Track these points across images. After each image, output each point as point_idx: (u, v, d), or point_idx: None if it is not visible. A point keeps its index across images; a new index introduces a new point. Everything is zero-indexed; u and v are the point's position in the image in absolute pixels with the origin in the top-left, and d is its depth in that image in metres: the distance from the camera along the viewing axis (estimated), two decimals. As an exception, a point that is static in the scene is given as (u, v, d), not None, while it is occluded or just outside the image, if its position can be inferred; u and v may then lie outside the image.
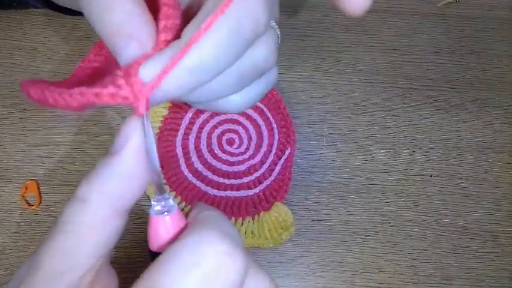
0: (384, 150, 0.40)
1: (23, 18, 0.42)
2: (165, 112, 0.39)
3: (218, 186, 0.37)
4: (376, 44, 0.43)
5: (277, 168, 0.38)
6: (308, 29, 0.43)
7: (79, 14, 0.37)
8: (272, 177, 0.38)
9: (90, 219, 0.17)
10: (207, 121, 0.39)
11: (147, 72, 0.17)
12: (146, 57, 0.17)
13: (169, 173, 0.37)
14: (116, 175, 0.17)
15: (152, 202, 0.18)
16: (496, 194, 0.39)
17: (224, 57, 0.17)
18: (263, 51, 0.20)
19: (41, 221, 0.37)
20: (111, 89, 0.16)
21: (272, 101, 0.40)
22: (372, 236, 0.38)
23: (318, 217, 0.38)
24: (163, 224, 0.18)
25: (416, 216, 0.38)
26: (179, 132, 0.38)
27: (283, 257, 0.37)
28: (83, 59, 0.21)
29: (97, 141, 0.39)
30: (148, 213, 0.18)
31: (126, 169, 0.17)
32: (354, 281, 0.37)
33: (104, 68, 0.20)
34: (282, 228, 0.36)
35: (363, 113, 0.41)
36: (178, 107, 0.39)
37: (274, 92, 0.40)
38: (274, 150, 0.39)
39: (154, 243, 0.18)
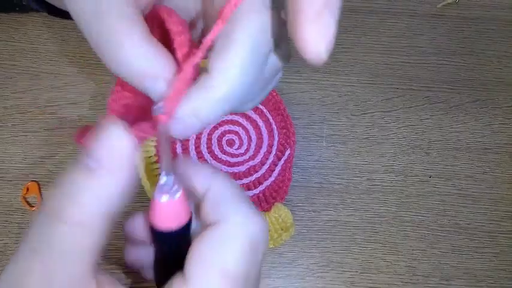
0: (383, 151, 0.40)
1: (24, 20, 0.42)
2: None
3: (218, 187, 0.37)
4: (376, 45, 0.43)
5: (277, 169, 0.38)
6: (308, 30, 0.43)
7: None
8: (272, 178, 0.38)
9: (96, 191, 0.17)
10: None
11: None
12: (175, 91, 0.18)
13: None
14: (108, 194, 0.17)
15: (159, 184, 0.19)
16: (494, 195, 0.39)
17: (250, 77, 0.18)
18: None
19: (43, 222, 0.37)
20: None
21: (272, 102, 0.40)
22: (371, 237, 0.38)
23: (318, 218, 0.38)
24: (170, 205, 0.19)
25: (415, 217, 0.39)
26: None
27: (283, 257, 0.37)
28: (111, 94, 0.23)
29: (98, 143, 0.39)
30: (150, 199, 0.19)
31: (119, 188, 0.17)
32: (354, 281, 0.37)
33: (134, 99, 0.22)
34: (282, 229, 0.36)
35: (363, 114, 0.41)
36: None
37: (274, 93, 0.40)
38: (274, 151, 0.39)
39: (162, 223, 0.19)
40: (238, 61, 0.17)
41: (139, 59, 0.17)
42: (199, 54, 0.18)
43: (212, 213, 0.20)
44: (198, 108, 0.18)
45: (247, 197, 0.21)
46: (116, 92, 0.22)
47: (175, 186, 0.19)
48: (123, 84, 0.21)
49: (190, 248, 0.19)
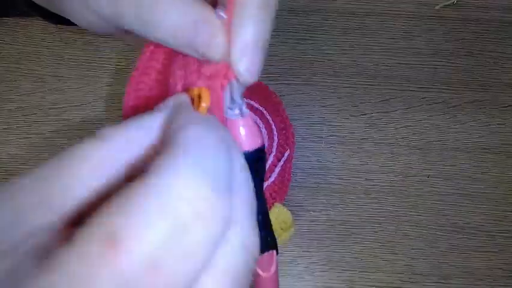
0: (382, 151, 0.41)
1: (27, 23, 0.42)
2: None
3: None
4: (374, 47, 0.43)
5: (277, 169, 0.38)
6: (307, 33, 0.43)
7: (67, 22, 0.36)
8: (272, 179, 0.38)
9: (99, 160, 0.15)
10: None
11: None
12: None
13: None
14: (147, 128, 0.16)
15: (227, 109, 0.19)
16: (493, 194, 0.40)
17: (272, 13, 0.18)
18: None
19: (47, 222, 0.38)
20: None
21: (271, 103, 0.40)
22: (371, 236, 0.38)
23: (317, 218, 0.39)
24: (239, 125, 0.19)
25: (414, 217, 0.39)
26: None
27: (282, 257, 0.38)
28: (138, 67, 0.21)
29: (100, 144, 0.40)
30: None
31: (156, 123, 0.16)
32: (353, 281, 0.37)
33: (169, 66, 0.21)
34: (282, 229, 0.36)
35: (361, 114, 0.41)
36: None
37: (274, 95, 0.40)
38: (274, 152, 0.39)
39: (246, 145, 0.19)
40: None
41: (177, 13, 0.18)
42: None
43: (154, 161, 0.14)
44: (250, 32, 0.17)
45: (225, 170, 0.14)
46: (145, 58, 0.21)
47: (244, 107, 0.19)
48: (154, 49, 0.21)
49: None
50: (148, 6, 0.18)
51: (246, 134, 0.19)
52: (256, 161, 0.19)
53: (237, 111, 0.19)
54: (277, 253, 0.21)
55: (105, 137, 0.15)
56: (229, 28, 0.18)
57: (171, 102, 0.17)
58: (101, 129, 0.15)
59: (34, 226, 0.14)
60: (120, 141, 0.15)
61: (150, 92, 0.20)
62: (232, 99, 0.19)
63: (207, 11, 0.18)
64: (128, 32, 0.21)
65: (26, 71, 0.41)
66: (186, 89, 0.18)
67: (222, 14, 0.18)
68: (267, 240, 0.19)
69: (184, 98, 0.18)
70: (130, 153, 0.15)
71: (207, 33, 0.18)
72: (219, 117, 0.18)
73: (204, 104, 0.17)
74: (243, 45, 0.17)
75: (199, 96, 0.18)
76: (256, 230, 0.15)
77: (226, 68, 0.18)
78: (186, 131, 0.14)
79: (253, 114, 0.20)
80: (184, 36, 0.18)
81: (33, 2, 0.33)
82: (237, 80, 0.18)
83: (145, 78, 0.20)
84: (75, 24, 0.26)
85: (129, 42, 0.41)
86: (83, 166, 0.14)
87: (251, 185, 0.16)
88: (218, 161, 0.14)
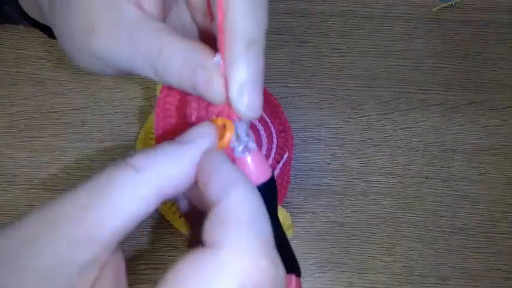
0: (380, 153, 0.41)
1: (28, 29, 0.43)
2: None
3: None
4: (373, 49, 0.43)
5: (276, 172, 0.39)
6: (306, 35, 0.44)
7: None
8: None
9: (136, 191, 0.16)
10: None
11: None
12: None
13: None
14: (177, 161, 0.17)
15: (233, 145, 0.19)
16: (491, 196, 0.40)
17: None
18: None
19: (48, 225, 0.38)
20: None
21: (270, 106, 0.41)
22: (369, 238, 0.39)
23: (316, 219, 0.39)
24: (247, 162, 0.19)
25: (412, 218, 0.39)
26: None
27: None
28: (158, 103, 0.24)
29: (101, 147, 0.40)
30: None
31: (187, 161, 0.17)
32: (352, 282, 0.38)
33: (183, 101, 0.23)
34: (281, 231, 0.37)
35: (360, 116, 0.42)
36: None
37: (272, 98, 0.41)
38: (273, 155, 0.39)
39: (258, 176, 0.19)
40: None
41: (186, 52, 0.19)
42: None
43: (213, 231, 0.16)
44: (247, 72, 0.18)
45: (269, 231, 0.16)
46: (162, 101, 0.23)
47: (250, 143, 0.20)
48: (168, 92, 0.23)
49: (173, 265, 0.16)
50: (156, 55, 0.19)
51: (256, 168, 0.19)
52: (268, 190, 0.20)
53: (243, 148, 0.19)
54: (299, 275, 0.20)
55: (140, 169, 0.16)
56: (225, 72, 0.19)
57: (196, 134, 0.18)
58: (134, 156, 0.17)
59: (84, 257, 0.15)
60: (153, 175, 0.17)
61: (172, 119, 0.22)
62: (238, 138, 0.19)
63: (205, 57, 0.19)
64: (131, 74, 0.22)
65: (27, 75, 0.42)
66: (211, 119, 0.19)
67: (218, 59, 0.19)
68: (288, 265, 0.19)
69: (209, 130, 0.19)
70: (163, 188, 0.17)
71: (204, 78, 0.19)
72: (228, 156, 0.19)
73: (228, 134, 0.19)
74: (239, 86, 0.18)
75: (224, 127, 0.19)
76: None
77: (228, 109, 0.19)
78: (238, 201, 0.16)
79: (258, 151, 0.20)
80: (188, 80, 0.19)
81: (28, 15, 0.33)
82: (240, 119, 0.19)
83: (168, 105, 0.23)
84: None
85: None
86: (121, 199, 0.16)
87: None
88: (268, 228, 0.16)
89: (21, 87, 0.41)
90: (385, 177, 0.40)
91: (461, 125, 0.42)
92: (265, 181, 0.19)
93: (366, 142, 0.41)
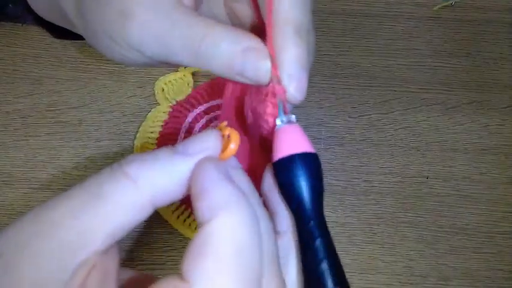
0: (380, 152, 0.40)
1: (25, 26, 0.42)
2: (165, 117, 0.40)
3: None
4: (373, 48, 0.43)
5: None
6: (305, 34, 0.43)
7: (71, 35, 0.35)
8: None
9: (129, 200, 0.16)
10: (206, 125, 0.40)
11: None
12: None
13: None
14: (173, 173, 0.17)
15: (277, 120, 0.20)
16: (492, 195, 0.40)
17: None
18: None
19: (44, 225, 0.37)
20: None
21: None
22: (369, 238, 0.38)
23: (316, 219, 0.38)
24: (289, 132, 0.19)
25: (413, 218, 0.39)
26: (178, 136, 0.39)
27: (282, 258, 0.37)
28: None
29: (98, 146, 0.40)
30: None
31: (184, 174, 0.17)
32: (352, 282, 0.37)
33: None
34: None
35: (360, 116, 0.41)
36: (179, 111, 0.40)
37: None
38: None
39: (282, 150, 0.19)
40: None
41: (228, 43, 0.20)
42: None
43: (189, 261, 0.15)
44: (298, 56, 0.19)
45: (257, 270, 0.15)
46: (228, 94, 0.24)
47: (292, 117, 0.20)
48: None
49: None
50: (200, 39, 0.20)
51: (297, 139, 0.19)
52: (308, 166, 0.19)
53: (284, 120, 0.20)
54: None
55: (134, 178, 0.16)
56: (272, 54, 0.20)
57: (199, 146, 0.18)
58: (130, 164, 0.16)
59: (76, 264, 0.15)
60: (147, 185, 0.16)
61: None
62: (283, 111, 0.20)
63: (252, 39, 0.20)
64: (167, 64, 0.22)
65: (23, 73, 0.41)
66: (219, 127, 0.19)
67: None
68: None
69: (213, 143, 0.18)
70: (156, 197, 0.17)
71: (254, 59, 0.20)
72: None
73: (232, 146, 0.18)
74: (288, 70, 0.19)
75: (229, 136, 0.19)
76: None
77: (273, 87, 0.20)
78: (222, 230, 0.15)
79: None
80: (235, 64, 0.20)
81: (36, 13, 0.33)
82: (286, 95, 0.20)
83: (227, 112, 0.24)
84: (78, 39, 0.26)
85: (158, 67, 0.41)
86: (114, 207, 0.16)
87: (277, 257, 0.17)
88: (255, 267, 0.15)
89: (18, 85, 0.41)
90: (386, 176, 0.40)
91: (462, 124, 0.41)
92: (303, 152, 0.19)
93: (366, 141, 0.41)
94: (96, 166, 0.39)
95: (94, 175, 0.17)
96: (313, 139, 0.40)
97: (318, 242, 0.18)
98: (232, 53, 0.20)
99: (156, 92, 0.40)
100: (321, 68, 0.42)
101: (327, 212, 0.38)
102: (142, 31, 0.21)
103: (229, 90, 0.25)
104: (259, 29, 0.23)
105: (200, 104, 0.40)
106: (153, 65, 0.23)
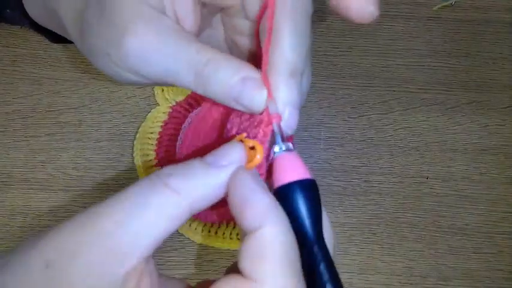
0: (380, 152, 0.40)
1: (24, 26, 0.42)
2: (165, 118, 0.40)
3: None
4: (372, 48, 0.43)
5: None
6: (305, 34, 0.43)
7: (63, 40, 0.36)
8: (270, 181, 0.38)
9: (171, 209, 0.18)
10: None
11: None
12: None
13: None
14: (210, 184, 0.19)
15: (275, 147, 0.21)
16: (491, 195, 0.40)
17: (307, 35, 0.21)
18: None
19: (44, 226, 0.38)
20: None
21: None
22: (369, 238, 0.38)
23: (316, 219, 0.38)
24: (288, 160, 0.20)
25: (412, 218, 0.39)
26: (179, 137, 0.39)
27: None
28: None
29: (98, 147, 0.40)
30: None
31: (219, 184, 0.19)
32: (352, 283, 0.37)
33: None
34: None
35: (360, 116, 0.41)
36: (178, 112, 0.40)
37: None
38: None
39: (282, 178, 0.20)
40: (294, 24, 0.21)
41: (235, 69, 0.21)
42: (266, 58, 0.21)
43: (252, 263, 0.18)
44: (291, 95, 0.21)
45: (299, 264, 0.18)
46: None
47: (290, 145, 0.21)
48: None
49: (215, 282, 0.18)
50: (203, 64, 0.21)
51: (294, 166, 0.20)
52: (307, 191, 0.20)
53: (282, 148, 0.21)
54: None
55: (176, 190, 0.18)
56: (267, 85, 0.21)
57: (228, 156, 0.20)
58: (170, 177, 0.18)
59: (125, 271, 0.17)
60: (186, 195, 0.18)
61: (205, 137, 0.24)
62: (277, 140, 0.21)
63: (252, 69, 0.21)
64: (160, 83, 0.23)
65: (23, 74, 0.41)
66: (242, 140, 0.21)
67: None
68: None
69: (240, 153, 0.20)
70: (195, 206, 0.19)
71: (252, 88, 0.21)
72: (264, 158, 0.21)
73: (258, 157, 0.20)
74: (282, 106, 0.21)
75: (253, 148, 0.21)
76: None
77: (268, 116, 0.21)
78: (275, 236, 0.18)
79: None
80: (233, 91, 0.21)
81: (33, 19, 0.33)
82: (279, 124, 0.21)
83: (203, 124, 0.25)
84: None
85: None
86: (157, 217, 0.18)
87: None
88: (299, 262, 0.18)
89: (17, 86, 0.41)
90: (385, 177, 0.40)
91: (461, 124, 0.41)
92: (302, 179, 0.20)
93: (365, 142, 0.41)
94: (96, 167, 0.39)
95: (133, 186, 0.18)
96: (313, 139, 0.40)
97: (322, 267, 0.19)
98: (231, 80, 0.21)
99: (155, 92, 0.40)
100: (320, 68, 0.42)
101: (327, 212, 0.38)
102: (142, 49, 0.21)
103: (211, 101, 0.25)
104: (258, 58, 0.24)
105: (199, 105, 0.40)
106: (143, 83, 0.24)
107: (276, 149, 0.21)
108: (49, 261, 0.17)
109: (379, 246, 0.38)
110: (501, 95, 0.42)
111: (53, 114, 0.40)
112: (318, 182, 0.39)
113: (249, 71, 0.21)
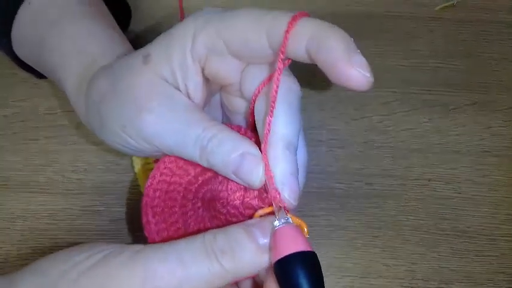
0: (382, 155, 0.40)
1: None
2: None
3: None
4: (374, 49, 0.43)
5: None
6: (306, 35, 0.43)
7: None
8: (271, 184, 0.38)
9: (215, 282, 0.21)
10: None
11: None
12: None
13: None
14: (258, 265, 0.22)
15: (274, 222, 0.22)
16: (494, 198, 0.39)
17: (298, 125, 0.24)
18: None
19: (44, 229, 0.37)
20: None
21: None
22: (371, 241, 0.38)
23: (317, 222, 0.38)
24: (287, 232, 0.21)
25: (415, 221, 0.39)
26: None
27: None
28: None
29: (97, 150, 0.39)
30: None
31: (266, 264, 0.22)
32: (353, 286, 0.37)
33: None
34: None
35: (361, 118, 0.41)
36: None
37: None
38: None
39: (282, 250, 0.20)
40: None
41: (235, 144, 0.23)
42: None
43: None
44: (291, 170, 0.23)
45: None
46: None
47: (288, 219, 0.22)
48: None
49: None
50: (208, 139, 0.23)
51: (295, 239, 0.21)
52: (308, 262, 0.21)
53: (281, 222, 0.22)
54: None
55: (227, 268, 0.21)
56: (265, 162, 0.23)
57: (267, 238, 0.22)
58: (224, 256, 0.21)
59: None
60: (234, 271, 0.21)
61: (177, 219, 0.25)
62: (279, 215, 0.22)
63: (251, 146, 0.23)
64: (167, 153, 0.25)
65: (22, 77, 0.41)
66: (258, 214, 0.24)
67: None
68: None
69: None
70: (238, 276, 0.22)
71: (250, 163, 0.23)
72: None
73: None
74: (281, 178, 0.22)
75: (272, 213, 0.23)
76: None
77: (264, 192, 0.24)
78: None
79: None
80: (232, 164, 0.23)
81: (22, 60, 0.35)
82: (283, 203, 0.22)
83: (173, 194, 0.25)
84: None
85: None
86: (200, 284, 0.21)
87: None
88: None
89: (16, 89, 0.40)
90: (387, 179, 0.40)
91: (464, 125, 0.41)
92: (303, 251, 0.21)
93: (367, 144, 0.40)
94: (95, 170, 0.39)
95: (187, 244, 0.21)
96: (315, 141, 0.40)
97: None
98: (231, 154, 0.23)
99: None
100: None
101: (328, 215, 0.38)
102: (157, 125, 0.24)
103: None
104: (252, 126, 0.26)
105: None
106: (152, 154, 0.26)
107: (276, 223, 0.22)
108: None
109: (381, 249, 0.38)
110: (504, 96, 0.42)
111: (51, 117, 0.40)
112: (319, 185, 0.39)
113: (248, 147, 0.23)
